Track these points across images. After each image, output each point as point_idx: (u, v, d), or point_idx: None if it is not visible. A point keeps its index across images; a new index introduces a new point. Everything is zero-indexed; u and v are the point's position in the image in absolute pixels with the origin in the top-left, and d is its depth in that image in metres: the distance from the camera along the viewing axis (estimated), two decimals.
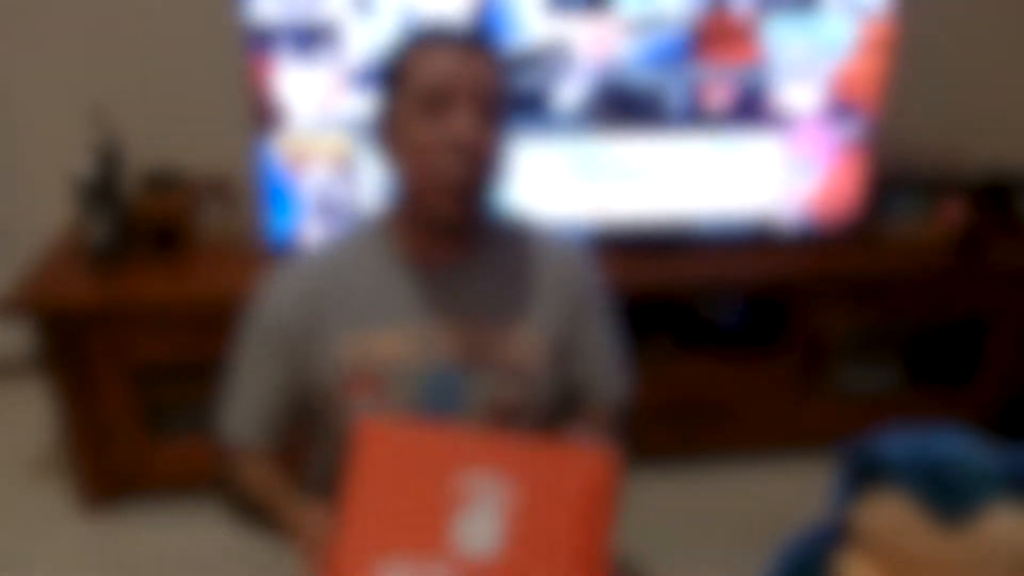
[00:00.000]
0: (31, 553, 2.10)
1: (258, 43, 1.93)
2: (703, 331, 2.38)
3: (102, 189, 2.05)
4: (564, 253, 1.24)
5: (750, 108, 2.15)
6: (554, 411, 1.25)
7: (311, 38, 1.95)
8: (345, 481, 0.97)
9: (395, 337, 1.13)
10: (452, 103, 1.04)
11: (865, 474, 0.95)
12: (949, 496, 0.89)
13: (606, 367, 1.28)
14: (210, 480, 1.96)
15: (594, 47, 2.04)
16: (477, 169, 1.07)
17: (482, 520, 0.89)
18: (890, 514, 0.93)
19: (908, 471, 0.92)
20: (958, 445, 0.93)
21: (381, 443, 0.95)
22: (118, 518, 2.20)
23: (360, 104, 1.99)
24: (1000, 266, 2.33)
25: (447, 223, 1.10)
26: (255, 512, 1.20)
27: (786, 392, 2.37)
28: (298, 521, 1.11)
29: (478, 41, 1.09)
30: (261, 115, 2.00)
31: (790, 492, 2.19)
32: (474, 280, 1.16)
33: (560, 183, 2.15)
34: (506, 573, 0.87)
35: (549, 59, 2.03)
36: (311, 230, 2.10)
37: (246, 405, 1.20)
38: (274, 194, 2.07)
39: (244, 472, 1.22)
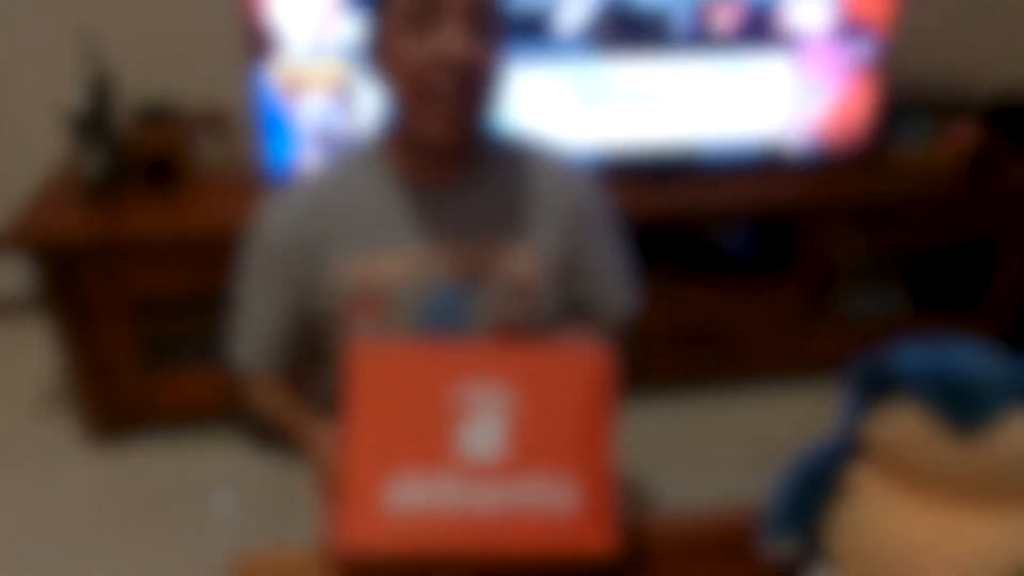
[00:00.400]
0: (38, 487, 2.12)
1: None
2: (710, 257, 2.37)
3: (94, 122, 2.01)
4: (563, 170, 1.21)
5: (758, 29, 2.09)
6: (558, 329, 1.24)
7: None
8: (344, 404, 0.96)
9: (396, 257, 1.12)
10: (441, 18, 1.00)
11: (878, 386, 0.94)
12: (964, 406, 0.87)
13: (611, 282, 1.27)
14: (219, 410, 1.97)
15: None
16: (469, 86, 1.04)
17: (484, 426, 0.90)
18: (904, 425, 0.91)
19: (923, 381, 0.90)
20: (973, 356, 0.91)
21: (376, 364, 0.95)
22: (123, 451, 2.22)
23: (356, 28, 1.94)
24: (1010, 187, 2.30)
25: (441, 143, 1.07)
26: (270, 435, 1.22)
27: (793, 317, 2.37)
28: (310, 439, 1.12)
29: None
30: (255, 42, 1.94)
31: (797, 417, 2.20)
32: (472, 199, 1.14)
33: (563, 108, 2.11)
34: (512, 471, 0.87)
35: None
36: (309, 159, 2.06)
37: (253, 331, 1.20)
38: (270, 124, 2.03)
39: (257, 398, 1.22)
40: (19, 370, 2.50)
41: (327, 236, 1.12)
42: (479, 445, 0.88)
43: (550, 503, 0.85)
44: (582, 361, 0.96)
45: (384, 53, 1.06)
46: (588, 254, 1.22)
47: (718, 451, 2.22)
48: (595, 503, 0.86)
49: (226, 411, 1.30)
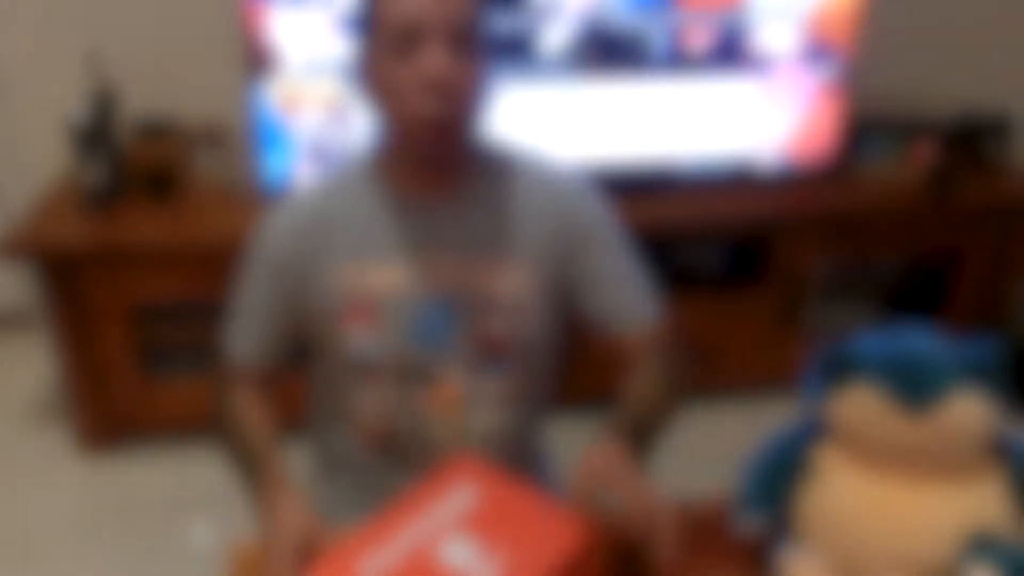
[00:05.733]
0: (32, 495, 2.14)
1: None
2: (684, 272, 2.45)
3: (97, 135, 2.08)
4: (556, 182, 1.22)
5: (730, 51, 2.21)
6: (555, 347, 1.27)
7: None
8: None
9: (385, 269, 1.16)
10: (424, 40, 1.03)
11: (838, 369, 1.01)
12: (914, 384, 0.94)
13: (629, 294, 1.24)
14: (207, 418, 1.99)
15: None
16: (455, 105, 1.07)
17: (461, 544, 0.93)
18: (862, 404, 0.98)
19: (877, 363, 0.97)
20: (922, 339, 0.99)
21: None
22: (117, 459, 2.25)
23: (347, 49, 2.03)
24: (969, 204, 2.42)
25: (429, 161, 1.13)
26: (236, 455, 1.20)
27: (765, 330, 2.46)
28: (273, 498, 1.07)
29: None
30: (254, 60, 2.03)
31: (769, 428, 2.25)
32: (462, 215, 1.18)
33: (545, 126, 2.20)
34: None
35: (535, 4, 2.08)
36: (304, 173, 2.14)
37: (247, 326, 1.24)
38: (267, 139, 2.11)
39: (239, 406, 1.23)
40: (13, 381, 2.54)
41: (322, 246, 1.17)
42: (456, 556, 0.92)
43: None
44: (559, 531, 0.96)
45: (371, 76, 1.10)
46: (591, 266, 1.21)
47: (693, 463, 2.24)
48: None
49: (207, 421, 1.33)
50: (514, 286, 1.18)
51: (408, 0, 1.04)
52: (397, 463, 1.24)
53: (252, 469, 1.15)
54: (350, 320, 1.17)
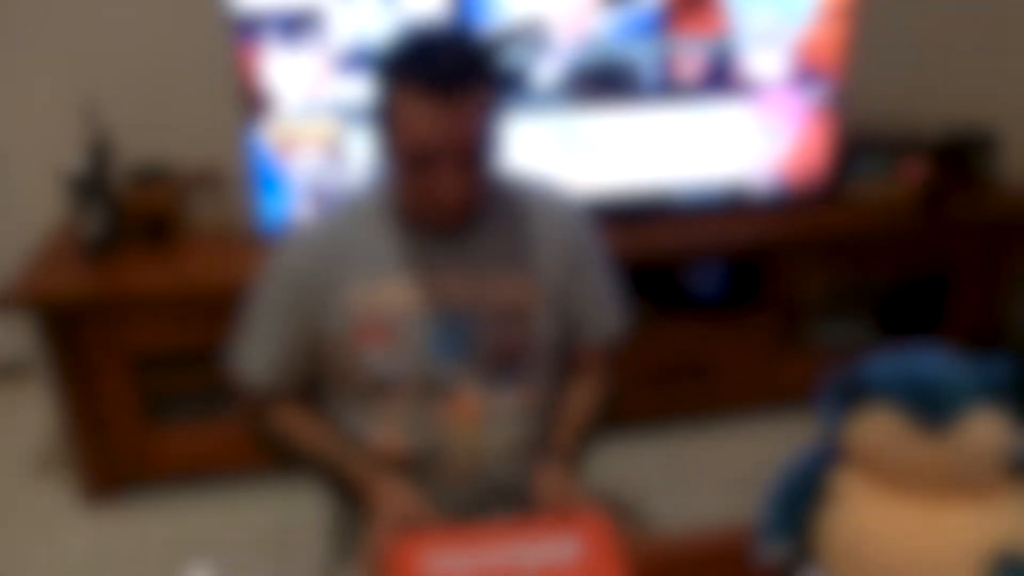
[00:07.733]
0: (35, 546, 2.12)
1: (244, 31, 1.97)
2: (682, 296, 2.46)
3: (93, 183, 2.08)
4: (559, 206, 1.32)
5: (720, 77, 2.23)
6: (560, 358, 1.34)
7: (297, 25, 1.99)
8: None
9: (401, 286, 1.21)
10: (435, 162, 1.10)
11: (853, 393, 1.01)
12: (931, 405, 0.94)
13: (602, 305, 1.37)
14: (218, 465, 1.97)
15: (570, 23, 2.11)
16: (464, 207, 1.16)
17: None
18: (878, 428, 0.98)
19: (893, 386, 0.97)
20: (937, 359, 0.99)
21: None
22: (120, 509, 2.22)
23: (347, 89, 2.04)
24: (961, 220, 2.44)
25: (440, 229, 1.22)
26: (315, 465, 1.30)
27: (765, 350, 2.46)
28: (375, 491, 1.21)
29: (468, 67, 1.09)
30: (249, 103, 2.03)
31: (773, 445, 2.26)
32: (476, 236, 1.24)
33: (540, 156, 2.21)
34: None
35: (527, 37, 2.10)
36: (302, 214, 2.14)
37: (262, 349, 1.27)
38: (264, 180, 2.11)
39: (289, 423, 1.30)
40: (14, 432, 2.51)
41: (336, 268, 1.21)
42: None
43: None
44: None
45: (386, 151, 1.15)
46: (582, 280, 1.32)
47: (699, 483, 2.27)
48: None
49: (248, 440, 1.36)
50: (526, 297, 1.25)
51: (424, 120, 1.09)
52: (414, 481, 1.27)
53: (339, 470, 1.26)
54: (365, 339, 1.22)
